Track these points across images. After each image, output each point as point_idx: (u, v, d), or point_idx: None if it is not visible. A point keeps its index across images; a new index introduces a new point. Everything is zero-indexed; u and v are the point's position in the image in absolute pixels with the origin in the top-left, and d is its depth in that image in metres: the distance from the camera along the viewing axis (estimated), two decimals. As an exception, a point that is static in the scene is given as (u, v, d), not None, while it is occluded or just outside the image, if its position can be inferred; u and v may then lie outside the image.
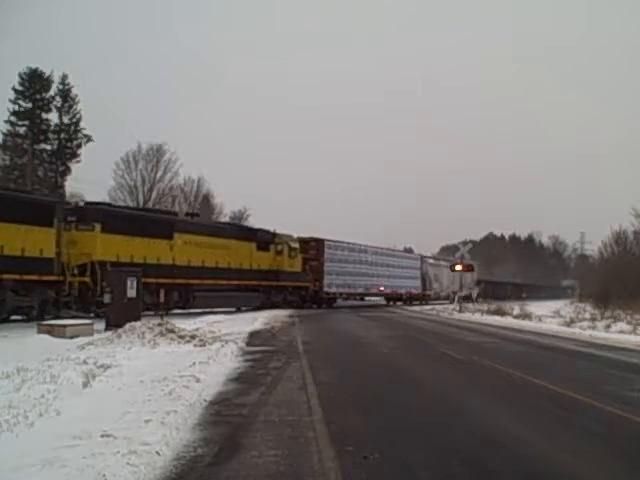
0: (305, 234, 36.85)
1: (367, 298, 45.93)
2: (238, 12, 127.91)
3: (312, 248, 35.07)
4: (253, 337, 15.36)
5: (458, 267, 37.26)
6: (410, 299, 47.36)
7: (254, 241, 28.99)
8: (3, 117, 40.39)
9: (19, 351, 10.49)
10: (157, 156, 49.14)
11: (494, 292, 59.67)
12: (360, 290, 41.01)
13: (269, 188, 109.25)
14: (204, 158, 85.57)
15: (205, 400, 7.09)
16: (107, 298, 16.52)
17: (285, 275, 30.88)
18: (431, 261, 53.71)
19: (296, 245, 32.30)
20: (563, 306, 35.03)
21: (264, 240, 29.90)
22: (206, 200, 53.76)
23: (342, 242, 38.86)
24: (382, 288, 43.66)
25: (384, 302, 47.19)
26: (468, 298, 43.59)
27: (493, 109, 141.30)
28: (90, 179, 60.77)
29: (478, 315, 31.01)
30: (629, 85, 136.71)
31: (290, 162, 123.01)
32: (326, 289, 35.49)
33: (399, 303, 46.48)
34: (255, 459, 4.83)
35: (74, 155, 43.18)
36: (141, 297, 17.46)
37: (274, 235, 31.17)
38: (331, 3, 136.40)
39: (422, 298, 48.83)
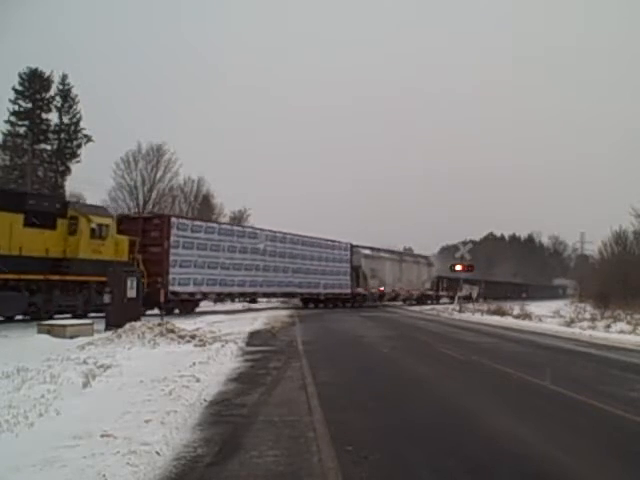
0: (303, 232, 35.59)
1: (293, 298, 37.18)
2: (239, 12, 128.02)
3: (155, 228, 24.58)
4: (253, 337, 15.36)
5: (458, 267, 36.97)
6: (335, 300, 37.58)
7: (21, 212, 17.92)
8: (3, 117, 40.48)
9: (19, 351, 10.49)
10: (157, 156, 49.10)
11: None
12: (239, 290, 29.37)
13: (269, 188, 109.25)
14: (204, 158, 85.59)
15: (205, 400, 7.09)
16: (107, 298, 16.52)
17: (84, 265, 19.63)
18: (366, 252, 42.21)
19: (106, 221, 21.11)
20: (563, 306, 35.03)
21: (43, 211, 18.78)
22: (206, 200, 53.73)
23: (206, 223, 28.99)
24: (274, 289, 32.36)
25: (290, 304, 37.67)
26: (469, 298, 43.03)
27: (493, 109, 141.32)
28: (90, 179, 60.82)
29: (478, 315, 31.02)
30: (629, 85, 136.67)
31: (290, 162, 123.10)
32: (171, 287, 24.07)
33: (315, 305, 36.83)
34: (255, 459, 4.83)
35: (74, 155, 43.19)
36: (141, 297, 17.45)
37: (65, 205, 20.59)
38: (331, 3, 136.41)
39: (351, 299, 38.96)
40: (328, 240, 38.07)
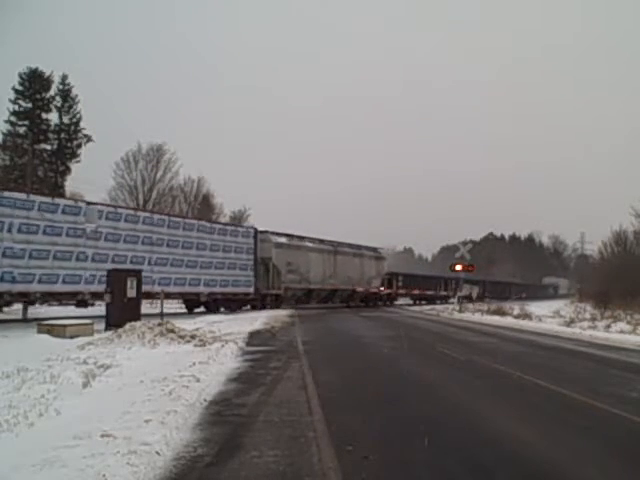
0: (303, 233, 35.06)
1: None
2: (238, 11, 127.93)
3: None
4: (253, 337, 15.35)
5: (458, 267, 36.86)
6: (229, 302, 28.07)
7: None
8: (3, 117, 40.43)
9: (19, 351, 10.49)
10: (157, 156, 49.11)
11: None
12: (41, 288, 19.38)
13: (269, 188, 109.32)
14: (204, 158, 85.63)
15: (205, 400, 7.09)
16: (107, 298, 16.52)
17: None
18: (280, 240, 32.47)
19: None
20: (563, 306, 35.04)
21: None
22: (206, 200, 53.73)
23: None
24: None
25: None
26: (468, 298, 42.97)
27: (493, 109, 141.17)
28: (90, 179, 60.72)
29: (478, 315, 31.02)
30: (629, 84, 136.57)
31: (290, 162, 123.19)
32: None
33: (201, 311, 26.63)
34: (255, 459, 4.83)
35: (74, 155, 43.16)
36: (140, 297, 17.45)
37: None
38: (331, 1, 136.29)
39: (255, 300, 30.08)
40: (217, 223, 30.37)
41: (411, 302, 50.92)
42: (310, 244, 36.25)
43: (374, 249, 45.22)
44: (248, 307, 30.19)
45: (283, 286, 32.11)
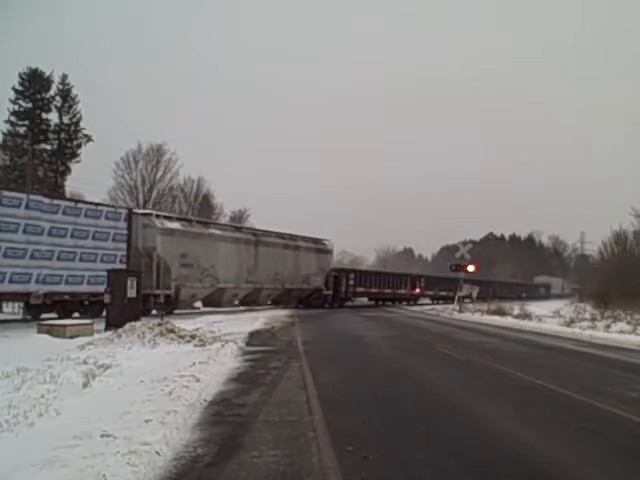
0: (303, 233, 34.52)
1: None
2: (238, 11, 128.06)
3: None
4: (253, 337, 15.36)
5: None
6: (90, 305, 20.00)
7: None
8: (3, 117, 40.45)
9: (19, 351, 10.49)
10: (157, 156, 49.18)
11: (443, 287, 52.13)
12: None
13: (269, 188, 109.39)
14: (204, 158, 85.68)
15: (205, 400, 7.09)
16: (107, 298, 16.52)
17: None
18: (170, 225, 24.90)
19: None
20: (563, 306, 35.06)
21: None
22: (206, 200, 53.76)
23: None
24: None
25: None
26: (469, 298, 41.73)
27: (493, 109, 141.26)
28: (90, 179, 60.76)
29: (478, 315, 31.03)
30: (629, 84, 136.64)
31: (290, 162, 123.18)
32: None
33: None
34: (255, 459, 4.83)
35: (74, 155, 43.18)
36: (140, 297, 17.44)
37: None
38: None
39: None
40: (65, 199, 23.36)
41: (372, 303, 44.80)
42: (218, 231, 28.45)
43: (316, 240, 37.14)
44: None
45: (174, 285, 24.23)
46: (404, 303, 47.49)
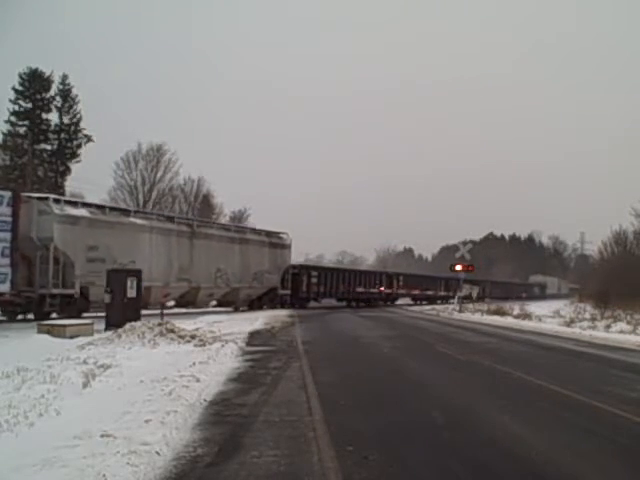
0: (303, 233, 31.22)
1: None
2: (236, 8, 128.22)
3: None
4: (253, 337, 15.36)
5: (458, 267, 36.69)
6: None
7: None
8: (3, 117, 40.45)
9: (19, 351, 10.49)
10: (157, 156, 49.18)
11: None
12: None
13: (269, 187, 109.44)
14: (204, 158, 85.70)
15: (205, 400, 7.09)
16: (107, 298, 16.52)
17: None
18: (74, 212, 21.04)
19: None
20: (563, 306, 35.07)
21: None
22: (206, 200, 53.77)
23: None
24: None
25: None
26: (467, 299, 41.04)
27: (493, 109, 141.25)
28: (90, 179, 60.83)
29: (478, 315, 31.03)
30: (629, 83, 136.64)
31: (290, 161, 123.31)
32: None
33: None
34: (255, 459, 4.83)
35: (74, 155, 43.19)
36: (140, 297, 17.44)
37: None
38: None
39: (10, 304, 18.66)
40: None
41: (344, 304, 41.26)
42: (141, 221, 24.13)
43: (270, 233, 32.35)
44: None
45: (79, 283, 20.36)
46: (381, 303, 44.23)
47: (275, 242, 32.09)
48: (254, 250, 29.89)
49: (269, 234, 32.17)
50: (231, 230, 30.14)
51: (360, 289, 41.25)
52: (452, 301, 39.58)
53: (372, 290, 42.91)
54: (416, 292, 49.50)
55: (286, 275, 32.91)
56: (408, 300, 49.08)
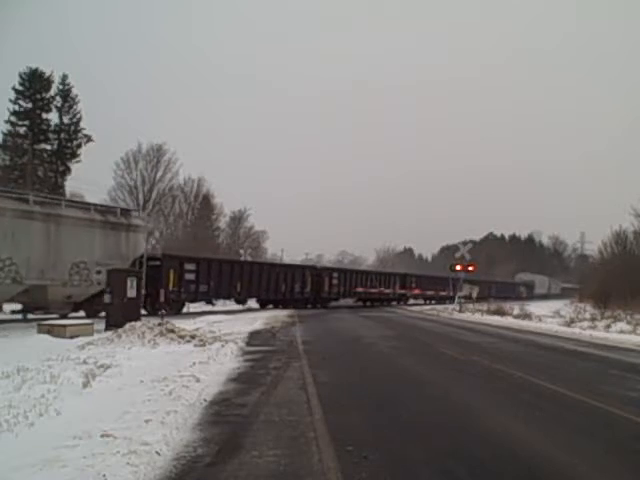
0: (303, 232, 30.41)
1: None
2: (236, 7, 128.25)
3: None
4: (253, 337, 15.36)
5: (458, 267, 36.80)
6: None
7: None
8: (3, 117, 40.46)
9: (19, 351, 10.49)
10: (157, 156, 49.25)
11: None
12: None
13: (269, 187, 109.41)
14: (204, 158, 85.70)
15: (205, 400, 7.09)
16: (107, 298, 16.52)
17: None
18: None
19: None
20: (563, 306, 35.08)
21: None
22: (206, 200, 53.81)
23: None
24: None
25: None
26: (465, 299, 40.82)
27: (493, 109, 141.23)
28: (90, 179, 60.86)
29: (478, 315, 31.04)
30: (628, 82, 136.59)
31: (290, 161, 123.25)
32: None
33: None
34: (255, 459, 4.83)
35: (74, 155, 43.20)
36: (140, 297, 17.43)
37: None
38: None
39: None
40: None
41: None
42: None
43: (109, 209, 23.15)
44: None
45: None
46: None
47: (116, 222, 21.45)
48: (74, 231, 19.65)
49: (106, 211, 22.12)
50: (30, 203, 18.22)
51: (374, 290, 41.16)
52: (463, 300, 39.66)
53: (386, 290, 42.94)
54: (430, 292, 49.94)
55: (135, 266, 21.46)
56: (420, 300, 49.51)
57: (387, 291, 43.11)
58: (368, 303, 41.75)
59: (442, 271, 54.23)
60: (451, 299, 42.71)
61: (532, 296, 67.78)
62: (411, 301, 48.06)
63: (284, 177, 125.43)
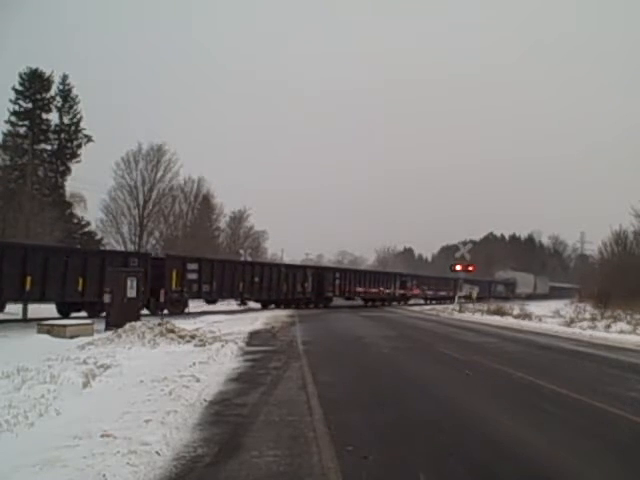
0: (303, 232, 30.53)
1: None
2: (236, 5, 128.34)
3: None
4: (253, 337, 15.36)
5: (458, 267, 36.81)
6: None
7: None
8: (3, 117, 40.47)
9: (19, 351, 10.50)
10: (157, 156, 49.16)
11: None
12: None
13: (269, 187, 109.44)
14: (204, 158, 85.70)
15: (205, 400, 7.09)
16: (107, 298, 16.52)
17: None
18: None
19: None
20: (563, 306, 35.07)
21: None
22: (206, 200, 53.79)
23: None
24: None
25: None
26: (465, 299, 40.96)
27: (492, 109, 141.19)
28: (90, 179, 60.78)
29: (478, 315, 31.03)
30: (628, 82, 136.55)
31: (290, 161, 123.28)
32: None
33: None
34: (255, 459, 4.83)
35: (74, 155, 43.21)
36: (140, 297, 17.44)
37: None
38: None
39: None
40: None
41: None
42: None
43: None
44: None
45: None
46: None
47: None
48: None
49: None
50: None
51: (374, 290, 41.60)
52: (462, 300, 39.73)
53: (387, 290, 43.22)
54: (430, 292, 50.11)
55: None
56: (420, 300, 49.75)
57: (387, 291, 43.34)
58: (369, 303, 41.97)
59: (442, 271, 54.32)
60: (451, 299, 42.84)
61: (513, 296, 60.28)
62: (411, 301, 48.35)
63: (284, 177, 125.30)
